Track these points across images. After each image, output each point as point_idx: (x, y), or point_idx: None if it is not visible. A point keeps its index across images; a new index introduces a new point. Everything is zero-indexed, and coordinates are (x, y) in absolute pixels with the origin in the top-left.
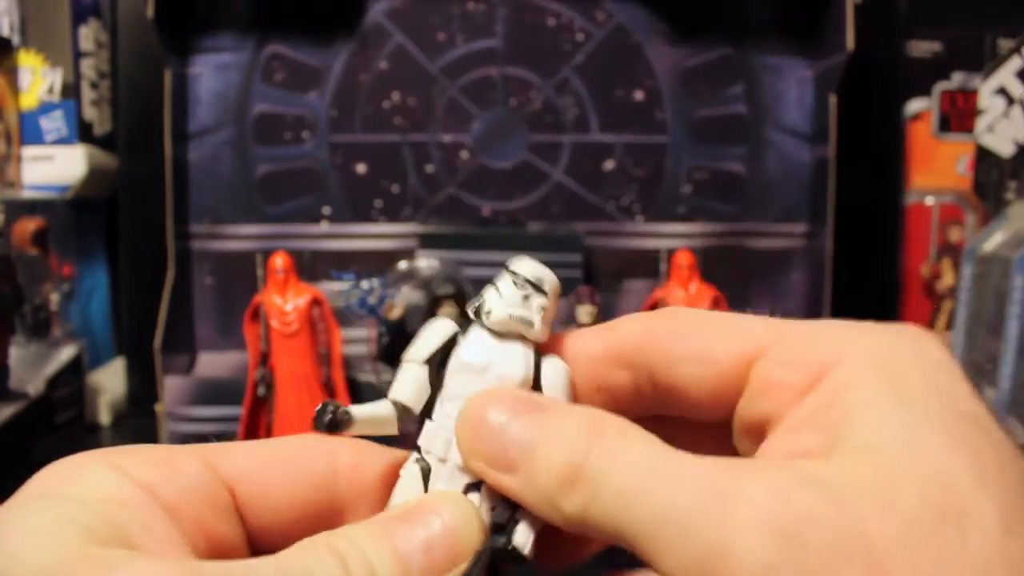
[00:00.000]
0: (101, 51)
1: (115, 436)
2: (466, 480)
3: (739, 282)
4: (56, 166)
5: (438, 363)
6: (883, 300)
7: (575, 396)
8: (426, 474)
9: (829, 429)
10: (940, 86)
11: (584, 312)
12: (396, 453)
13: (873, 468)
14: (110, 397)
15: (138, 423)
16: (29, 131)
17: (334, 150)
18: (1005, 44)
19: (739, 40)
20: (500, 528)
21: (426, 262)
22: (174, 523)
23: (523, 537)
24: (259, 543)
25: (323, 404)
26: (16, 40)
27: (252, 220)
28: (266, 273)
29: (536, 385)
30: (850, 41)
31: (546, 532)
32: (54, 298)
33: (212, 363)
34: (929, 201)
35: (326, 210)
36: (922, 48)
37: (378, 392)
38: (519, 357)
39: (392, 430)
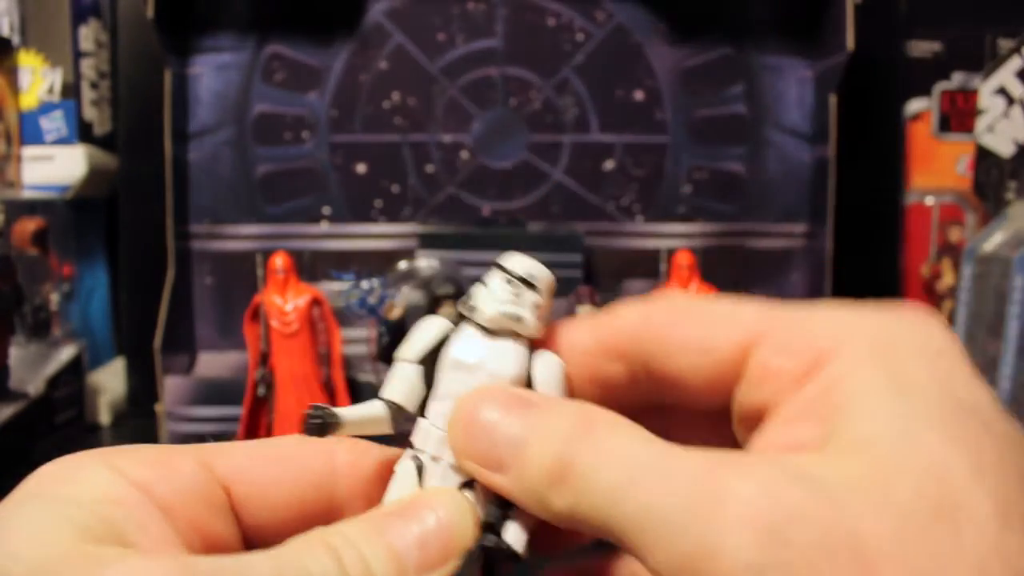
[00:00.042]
0: (101, 51)
1: (115, 436)
2: (460, 479)
3: (739, 282)
4: (56, 166)
5: (431, 361)
6: (883, 300)
7: (571, 390)
8: (421, 471)
9: (824, 420)
10: (940, 86)
11: (584, 312)
12: (392, 451)
13: (867, 462)
14: (110, 397)
15: (138, 423)
16: (29, 131)
17: (334, 150)
18: (1005, 44)
19: (739, 40)
20: (493, 527)
21: (426, 262)
22: (169, 522)
23: (515, 535)
24: (255, 542)
25: (310, 408)
26: (16, 40)
27: (252, 220)
28: (266, 273)
29: (529, 382)
30: (850, 41)
31: (541, 522)
32: (54, 298)
33: (212, 363)
34: (929, 201)
35: (326, 210)
36: (922, 48)
37: (378, 392)
38: (510, 354)
39: (386, 429)
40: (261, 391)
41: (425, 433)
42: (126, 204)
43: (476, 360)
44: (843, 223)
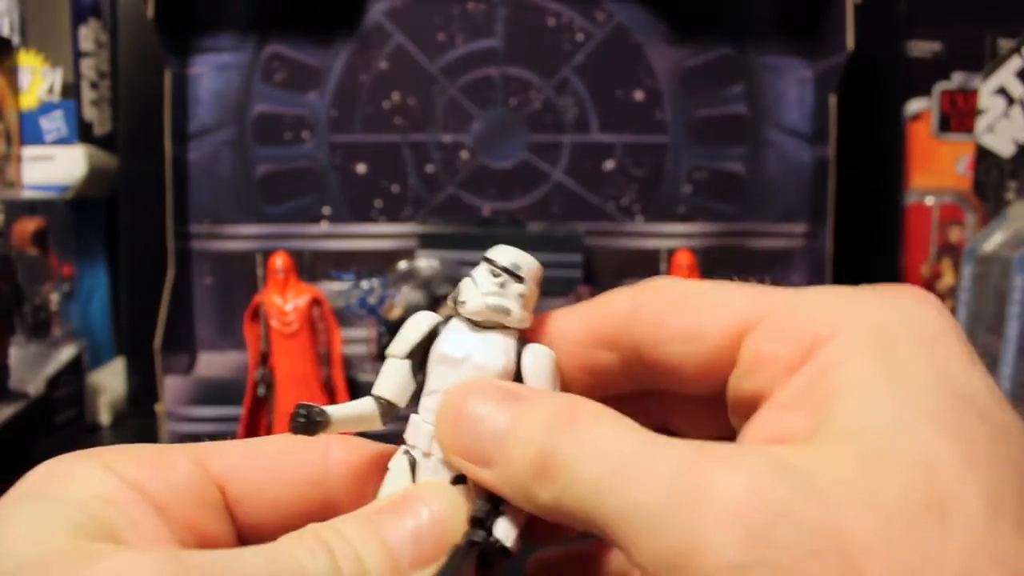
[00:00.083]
0: (101, 51)
1: (115, 436)
2: (452, 473)
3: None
4: (56, 166)
5: (421, 357)
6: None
7: (562, 381)
8: (414, 467)
9: (816, 409)
10: (940, 86)
11: None
12: (386, 447)
13: (855, 455)
14: (110, 397)
15: (138, 423)
16: (29, 131)
17: (334, 150)
18: (1005, 44)
19: (739, 40)
20: (483, 521)
21: (426, 262)
22: (163, 520)
23: (505, 530)
24: (250, 541)
25: (298, 406)
26: (16, 40)
27: (252, 220)
28: (266, 273)
29: (518, 374)
30: (850, 41)
31: (533, 516)
32: (54, 298)
33: (212, 363)
34: (929, 201)
35: (326, 210)
36: (922, 48)
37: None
38: (498, 347)
39: (376, 426)
40: (261, 391)
41: (416, 429)
42: (126, 204)
43: (463, 354)
44: (843, 223)
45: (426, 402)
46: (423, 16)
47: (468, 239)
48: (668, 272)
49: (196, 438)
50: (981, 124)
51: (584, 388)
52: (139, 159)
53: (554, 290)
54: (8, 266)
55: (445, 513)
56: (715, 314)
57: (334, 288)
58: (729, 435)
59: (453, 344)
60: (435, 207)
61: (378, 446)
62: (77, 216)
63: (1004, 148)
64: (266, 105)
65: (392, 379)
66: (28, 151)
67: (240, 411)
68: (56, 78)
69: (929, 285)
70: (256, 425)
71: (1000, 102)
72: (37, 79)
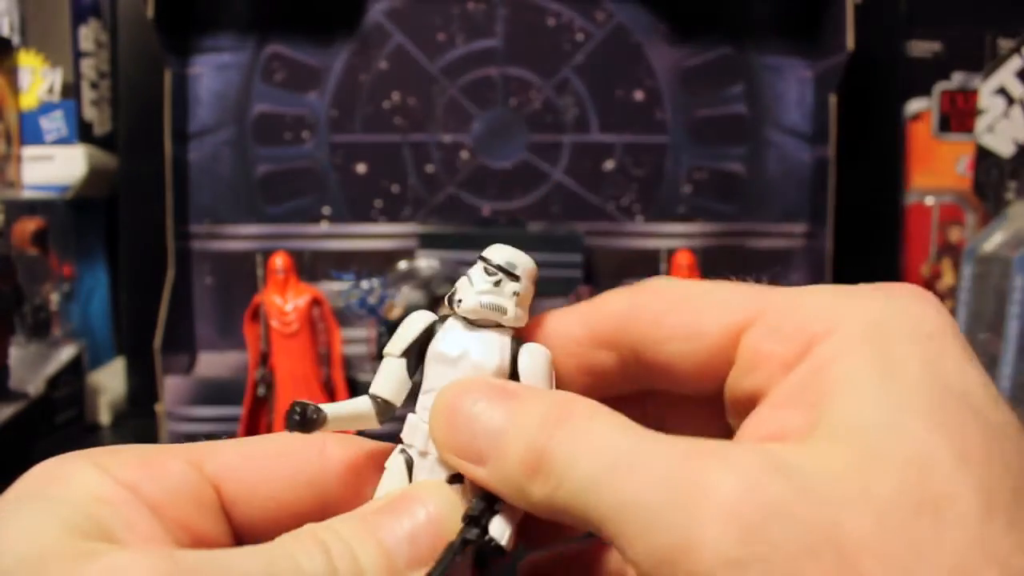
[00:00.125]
0: (101, 51)
1: (115, 436)
2: (448, 472)
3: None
4: (56, 166)
5: (418, 356)
6: None
7: (557, 380)
8: (411, 466)
9: (812, 407)
10: (940, 86)
11: None
12: (383, 446)
13: (850, 453)
14: (110, 397)
15: (138, 423)
16: (29, 131)
17: (334, 150)
18: (1005, 44)
19: (739, 40)
20: (478, 520)
21: (426, 262)
22: (158, 521)
23: (500, 528)
24: (247, 541)
25: (293, 403)
26: (16, 40)
27: (252, 220)
28: (266, 273)
29: (514, 372)
30: (850, 41)
31: (530, 516)
32: (54, 298)
33: (212, 363)
34: (929, 201)
35: (326, 210)
36: (922, 48)
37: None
38: (494, 345)
39: (373, 425)
40: (261, 391)
41: (413, 428)
42: (126, 204)
43: (459, 352)
44: (843, 223)
45: (423, 400)
46: (423, 16)
47: (468, 239)
48: (668, 272)
49: (196, 438)
50: (981, 124)
51: (582, 388)
52: (139, 159)
53: (554, 290)
54: (8, 266)
55: (442, 513)
56: (713, 313)
57: (334, 288)
58: (727, 437)
59: (449, 343)
60: (435, 207)
61: (375, 444)
62: (77, 216)
63: (1004, 148)
64: (266, 105)
65: (389, 378)
66: (28, 151)
67: (240, 411)
68: (56, 78)
69: (929, 285)
70: (256, 425)
71: (1000, 102)
72: (37, 79)
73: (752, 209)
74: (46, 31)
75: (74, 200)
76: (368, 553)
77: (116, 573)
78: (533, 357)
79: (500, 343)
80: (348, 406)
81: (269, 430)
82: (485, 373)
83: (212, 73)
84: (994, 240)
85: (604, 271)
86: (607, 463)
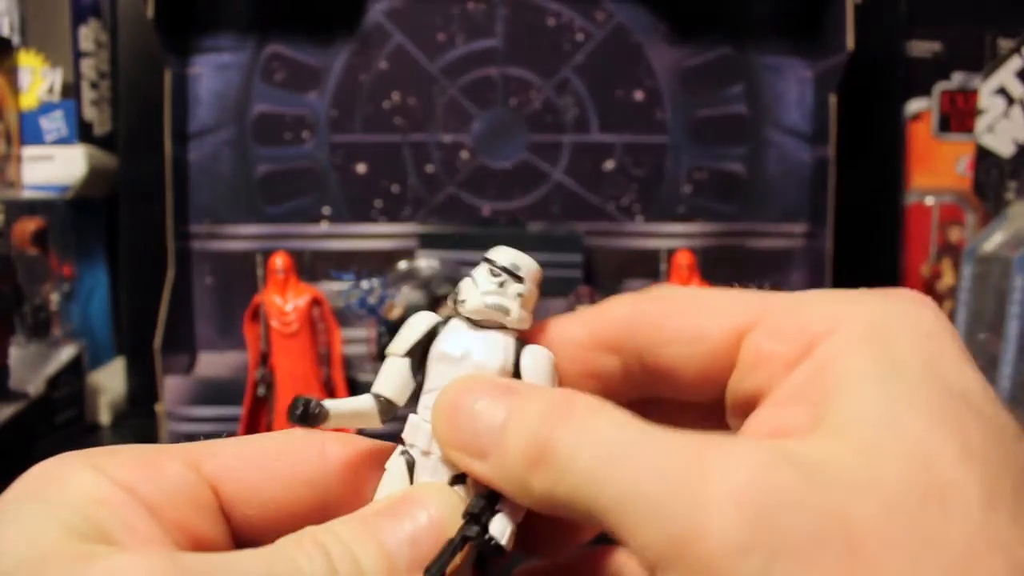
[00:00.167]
0: (101, 51)
1: (115, 436)
2: (450, 472)
3: (739, 282)
4: (56, 166)
5: (421, 356)
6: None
7: (560, 383)
8: (411, 467)
9: (814, 404)
10: (940, 86)
11: None
12: (384, 446)
13: (854, 446)
14: (110, 397)
15: (138, 423)
16: (29, 131)
17: (334, 150)
18: (1005, 44)
19: (739, 40)
20: (478, 517)
21: (426, 262)
22: (155, 522)
23: (500, 527)
24: (246, 542)
25: (296, 398)
26: (16, 40)
27: (252, 220)
28: (266, 273)
29: (516, 374)
30: (850, 41)
31: (536, 522)
32: (54, 298)
33: (212, 363)
34: (929, 201)
35: (326, 210)
36: (922, 48)
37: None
38: (497, 345)
39: (375, 424)
40: (261, 391)
41: (415, 428)
42: (126, 204)
43: (462, 352)
44: (843, 223)
45: (425, 400)
46: (423, 16)
47: (468, 239)
48: (668, 272)
49: (196, 438)
50: (981, 124)
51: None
52: (139, 159)
53: (554, 290)
54: (8, 266)
55: (443, 516)
56: (715, 316)
57: (334, 288)
58: None
59: (452, 342)
60: (435, 207)
61: (375, 444)
62: (77, 216)
63: (1004, 148)
64: (266, 105)
65: (392, 377)
66: (28, 151)
67: (240, 411)
68: (56, 78)
69: (929, 285)
70: (256, 425)
71: (1000, 102)
72: (37, 79)
73: (752, 209)
74: (46, 31)
75: (74, 200)
76: (369, 556)
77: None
78: (536, 359)
79: (503, 344)
80: (351, 403)
81: (269, 430)
82: (488, 372)
83: (212, 73)
84: (994, 240)
85: (604, 271)
86: (610, 454)
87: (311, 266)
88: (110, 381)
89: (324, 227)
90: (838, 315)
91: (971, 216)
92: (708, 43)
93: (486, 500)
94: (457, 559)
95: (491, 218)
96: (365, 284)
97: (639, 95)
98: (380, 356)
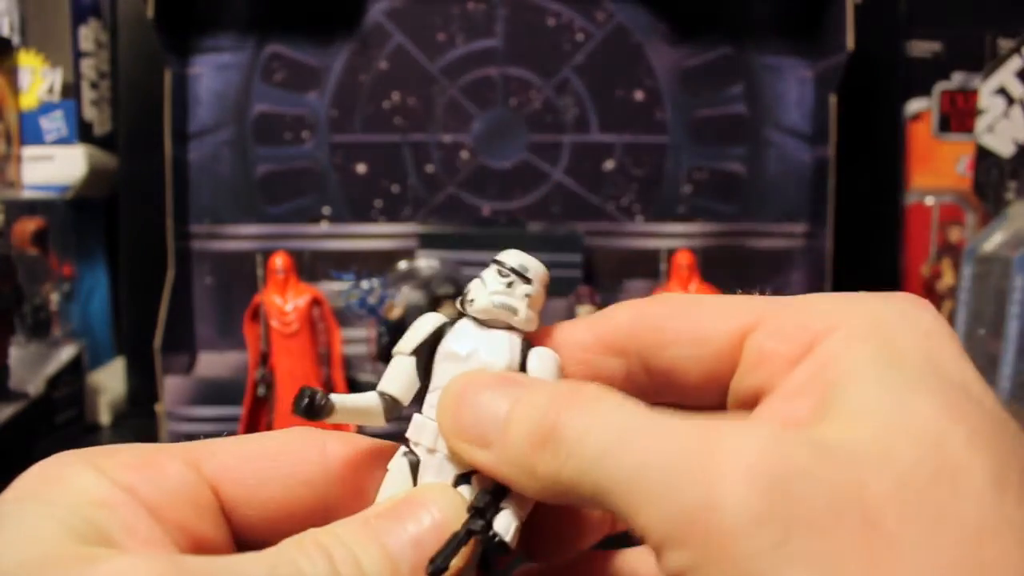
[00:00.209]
0: (101, 51)
1: (115, 436)
2: (455, 471)
3: (739, 282)
4: (56, 166)
5: (427, 356)
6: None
7: None
8: (414, 468)
9: (820, 395)
10: (940, 86)
11: (584, 312)
12: (385, 444)
13: (865, 428)
14: (110, 397)
15: (138, 423)
16: (29, 131)
17: (334, 150)
18: (1005, 44)
19: (739, 40)
20: (482, 512)
21: (426, 262)
22: (156, 523)
23: (505, 524)
24: (247, 543)
25: (302, 389)
26: (16, 40)
27: (252, 220)
28: (266, 273)
29: (522, 373)
30: (850, 41)
31: (542, 526)
32: (54, 298)
33: (212, 363)
34: (929, 201)
35: (326, 210)
36: (922, 48)
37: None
38: (503, 345)
39: (379, 422)
40: (261, 391)
41: (420, 426)
42: (126, 204)
43: (469, 351)
44: (843, 223)
45: (431, 399)
46: (423, 16)
47: (468, 239)
48: (668, 272)
49: (196, 438)
50: (981, 124)
51: None
52: (139, 159)
53: (554, 290)
54: (8, 266)
55: (447, 518)
56: (717, 319)
57: (334, 288)
58: None
59: (460, 342)
60: (435, 207)
61: (376, 443)
62: (77, 216)
63: (1004, 148)
64: (266, 105)
65: (398, 376)
66: (28, 151)
67: (240, 411)
68: (56, 78)
69: (929, 285)
70: (256, 425)
71: (1000, 102)
72: (37, 79)
73: (752, 209)
74: (46, 31)
75: (74, 200)
76: (372, 558)
77: None
78: (542, 359)
79: (510, 343)
80: (356, 399)
81: (269, 430)
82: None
83: (212, 73)
84: (994, 240)
85: (604, 271)
86: (620, 435)
87: (311, 266)
88: (110, 381)
89: (324, 227)
90: (838, 314)
91: (971, 216)
92: (708, 43)
93: (491, 496)
94: (461, 553)
95: (491, 218)
96: (365, 284)
97: (639, 95)
98: (380, 356)
